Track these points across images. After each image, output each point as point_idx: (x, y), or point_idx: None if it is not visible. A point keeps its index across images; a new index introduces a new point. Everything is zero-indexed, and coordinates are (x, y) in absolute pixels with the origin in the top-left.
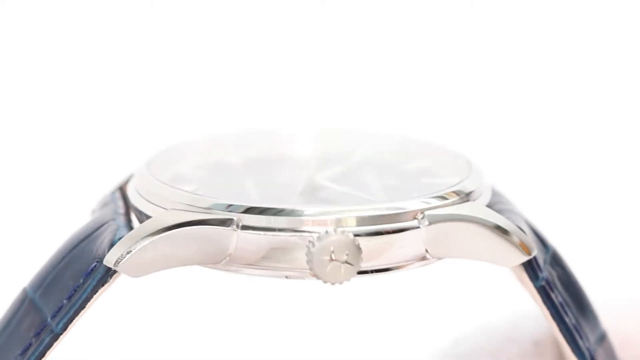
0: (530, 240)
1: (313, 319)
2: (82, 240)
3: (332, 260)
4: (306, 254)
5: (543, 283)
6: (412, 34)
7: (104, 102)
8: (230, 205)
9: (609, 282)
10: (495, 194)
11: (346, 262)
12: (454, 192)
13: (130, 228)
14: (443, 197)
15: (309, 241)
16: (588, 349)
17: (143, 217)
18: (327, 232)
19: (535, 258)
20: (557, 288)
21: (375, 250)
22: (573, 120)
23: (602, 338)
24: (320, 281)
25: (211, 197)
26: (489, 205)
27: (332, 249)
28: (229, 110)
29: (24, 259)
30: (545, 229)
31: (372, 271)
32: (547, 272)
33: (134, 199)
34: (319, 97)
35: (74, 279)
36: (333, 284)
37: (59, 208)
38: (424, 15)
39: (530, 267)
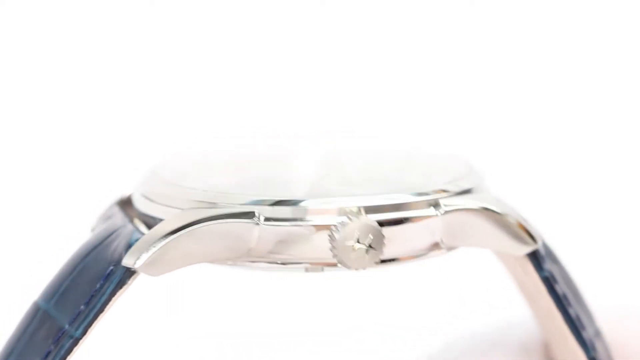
0: (535, 230)
1: (303, 321)
2: (94, 249)
3: (356, 245)
4: (330, 241)
5: (547, 274)
6: (412, 34)
7: (99, 108)
8: (250, 198)
9: (600, 288)
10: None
11: (370, 246)
12: (464, 184)
13: (143, 232)
14: (456, 189)
15: (332, 228)
16: (590, 340)
17: (156, 221)
18: (350, 218)
19: (538, 251)
20: (559, 281)
21: (394, 238)
22: (572, 120)
23: (598, 333)
24: (340, 270)
25: (229, 193)
26: None
27: (356, 234)
28: (229, 110)
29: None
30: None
31: (389, 260)
32: (548, 265)
33: (143, 206)
34: (325, 98)
35: (91, 284)
36: (357, 269)
37: (56, 224)
38: (424, 15)
39: (535, 258)
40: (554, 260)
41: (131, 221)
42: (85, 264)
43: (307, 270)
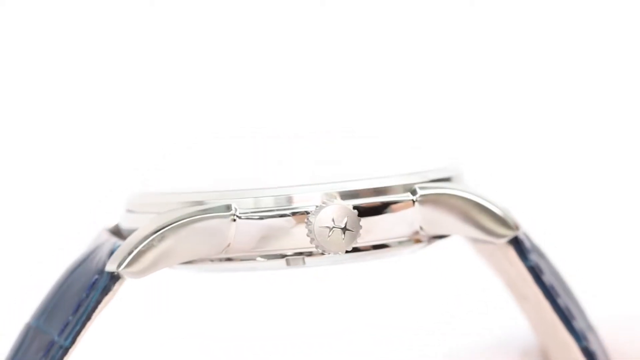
0: (514, 215)
1: (302, 322)
2: (79, 265)
3: (333, 228)
4: (307, 226)
5: (533, 264)
6: (412, 33)
7: (98, 108)
8: (226, 194)
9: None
10: None
11: (346, 228)
12: (442, 174)
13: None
14: (434, 175)
15: (308, 214)
16: (581, 330)
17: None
18: (324, 202)
19: (522, 241)
20: (545, 272)
21: (371, 223)
22: (572, 120)
23: (591, 327)
24: (321, 264)
25: (205, 191)
26: None
27: (332, 216)
28: (228, 110)
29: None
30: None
31: (370, 247)
32: (534, 257)
33: (124, 219)
34: (318, 97)
35: (78, 295)
36: (336, 252)
37: (56, 225)
38: (423, 15)
39: (519, 247)
40: (541, 254)
41: (115, 235)
42: (72, 279)
43: (288, 264)
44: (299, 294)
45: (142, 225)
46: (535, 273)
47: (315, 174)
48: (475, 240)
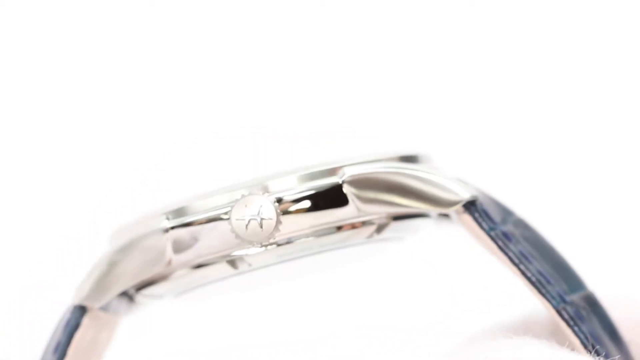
0: (464, 186)
1: (299, 324)
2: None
3: (249, 219)
4: (228, 224)
5: (498, 232)
6: (412, 33)
7: (97, 108)
8: (160, 212)
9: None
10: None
11: (262, 217)
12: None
13: None
14: (364, 159)
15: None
16: (559, 293)
17: None
18: (241, 196)
19: (485, 210)
20: (519, 241)
21: (299, 212)
22: (571, 120)
23: (588, 297)
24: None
25: (142, 215)
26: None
27: (245, 209)
28: (227, 111)
29: None
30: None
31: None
32: (507, 228)
33: None
34: (310, 96)
35: (58, 335)
36: (260, 244)
37: (55, 225)
38: (423, 15)
39: (478, 215)
40: (526, 226)
41: None
42: (58, 323)
43: (233, 266)
44: (296, 296)
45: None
46: (501, 241)
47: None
48: (437, 217)
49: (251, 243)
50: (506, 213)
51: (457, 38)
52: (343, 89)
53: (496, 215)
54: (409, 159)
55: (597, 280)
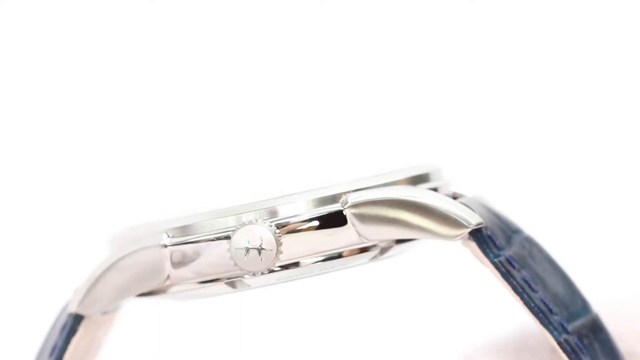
0: (470, 213)
1: (309, 334)
2: (65, 306)
3: (248, 249)
4: (227, 251)
5: (502, 259)
6: (411, 32)
7: (96, 110)
8: (159, 226)
9: (614, 279)
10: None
11: (262, 248)
12: (383, 178)
13: None
14: (368, 183)
15: (228, 237)
16: (561, 324)
17: None
18: (240, 224)
19: (490, 235)
20: (524, 265)
21: (301, 237)
22: (572, 120)
23: (592, 322)
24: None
25: (145, 225)
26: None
27: (245, 237)
28: (227, 111)
29: None
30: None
31: (318, 261)
32: (512, 252)
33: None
34: (307, 99)
35: (54, 337)
36: (256, 274)
37: (55, 225)
38: (423, 14)
39: (483, 242)
40: (533, 244)
41: None
42: (56, 321)
43: (232, 286)
44: (294, 301)
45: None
46: (504, 268)
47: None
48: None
49: (249, 272)
50: (512, 231)
51: (456, 38)
52: (343, 91)
53: (501, 239)
54: (418, 179)
55: (597, 281)
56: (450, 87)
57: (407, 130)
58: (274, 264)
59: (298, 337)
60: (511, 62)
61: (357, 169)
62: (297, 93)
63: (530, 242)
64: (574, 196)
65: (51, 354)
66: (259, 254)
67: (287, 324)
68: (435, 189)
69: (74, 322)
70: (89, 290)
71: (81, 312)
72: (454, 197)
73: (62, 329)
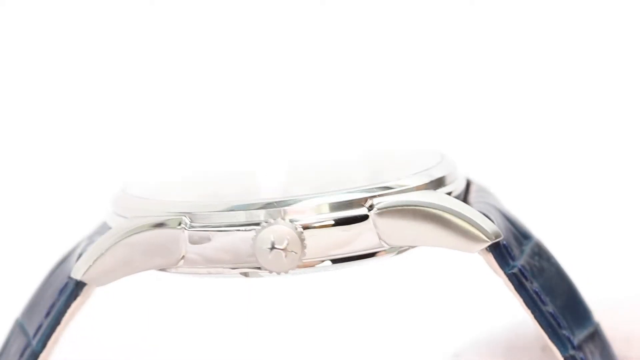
0: (490, 225)
1: (302, 329)
2: (59, 263)
3: (273, 248)
4: (250, 246)
5: (515, 271)
6: (411, 32)
7: (92, 106)
8: (178, 207)
9: (606, 280)
10: (473, 186)
11: (287, 249)
12: (407, 181)
13: None
14: (393, 186)
15: (253, 233)
16: (568, 338)
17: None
18: (267, 222)
19: (505, 246)
20: (536, 277)
21: (325, 239)
22: (571, 120)
23: (594, 334)
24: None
25: (162, 202)
26: (457, 196)
27: (272, 237)
28: (226, 111)
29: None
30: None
31: (333, 261)
32: (524, 261)
33: (108, 216)
34: (309, 98)
35: (52, 297)
36: (279, 273)
37: (54, 225)
38: (423, 14)
39: (500, 254)
40: (542, 254)
41: (98, 234)
42: (51, 278)
43: (246, 275)
44: (293, 299)
45: (112, 224)
46: (518, 279)
47: (278, 188)
48: None
49: (269, 270)
50: (524, 236)
51: (457, 38)
52: (337, 88)
53: (515, 248)
54: (439, 182)
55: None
56: (456, 83)
57: (416, 124)
58: (294, 265)
59: (290, 333)
60: (511, 63)
61: (377, 163)
62: (305, 82)
63: (540, 249)
64: (569, 194)
65: (47, 315)
66: (284, 255)
67: (277, 319)
68: (450, 193)
69: (76, 287)
70: (96, 261)
71: (85, 279)
72: (467, 189)
73: (62, 291)
